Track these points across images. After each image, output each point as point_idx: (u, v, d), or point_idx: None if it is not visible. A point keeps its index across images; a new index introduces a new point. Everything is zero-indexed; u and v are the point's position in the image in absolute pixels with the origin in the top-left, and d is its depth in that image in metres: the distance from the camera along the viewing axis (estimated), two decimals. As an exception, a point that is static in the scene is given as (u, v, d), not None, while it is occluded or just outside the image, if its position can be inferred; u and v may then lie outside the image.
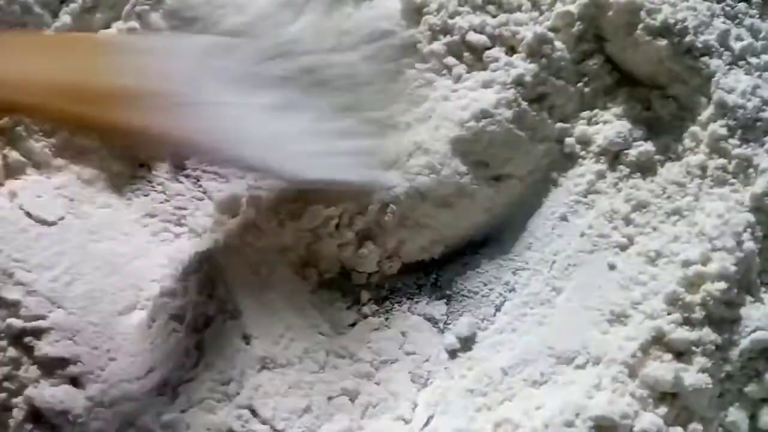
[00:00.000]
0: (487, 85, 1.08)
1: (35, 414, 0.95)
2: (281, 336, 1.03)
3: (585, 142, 1.12)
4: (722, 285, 0.96)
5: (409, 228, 1.08)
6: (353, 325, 1.07)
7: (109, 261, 1.04)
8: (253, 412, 0.97)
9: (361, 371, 1.03)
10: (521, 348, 1.03)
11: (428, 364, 1.04)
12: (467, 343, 1.05)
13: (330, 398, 1.00)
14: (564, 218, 1.11)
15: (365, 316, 1.07)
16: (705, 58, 1.07)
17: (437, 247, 1.11)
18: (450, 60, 1.10)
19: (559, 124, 1.12)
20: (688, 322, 0.97)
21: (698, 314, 0.96)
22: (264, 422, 0.97)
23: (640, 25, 1.08)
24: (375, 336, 1.06)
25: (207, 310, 1.03)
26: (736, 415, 0.98)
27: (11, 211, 1.03)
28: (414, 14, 1.11)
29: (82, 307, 1.00)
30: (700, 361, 0.95)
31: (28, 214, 1.04)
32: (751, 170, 1.04)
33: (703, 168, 1.06)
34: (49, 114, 0.92)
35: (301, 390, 1.00)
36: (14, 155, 1.06)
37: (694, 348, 0.96)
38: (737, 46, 1.09)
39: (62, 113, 0.89)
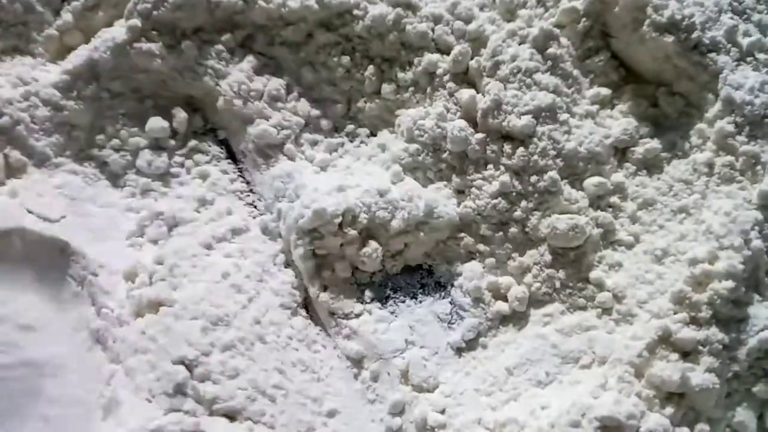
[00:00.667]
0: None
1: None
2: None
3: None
4: (729, 284, 0.96)
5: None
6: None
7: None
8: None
9: None
10: (526, 347, 1.03)
11: (436, 357, 1.04)
12: (472, 343, 1.05)
13: None
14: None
15: (370, 313, 1.06)
16: (712, 55, 1.07)
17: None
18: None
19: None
20: (694, 321, 0.96)
21: (705, 313, 0.96)
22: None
23: (647, 22, 1.07)
24: (382, 327, 1.05)
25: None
26: (743, 415, 0.97)
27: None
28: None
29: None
30: (707, 360, 0.94)
31: (30, 213, 1.04)
32: (758, 167, 1.03)
33: (710, 165, 1.06)
34: None
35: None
36: (15, 154, 1.06)
37: (701, 347, 0.95)
38: (745, 42, 1.09)
39: None
